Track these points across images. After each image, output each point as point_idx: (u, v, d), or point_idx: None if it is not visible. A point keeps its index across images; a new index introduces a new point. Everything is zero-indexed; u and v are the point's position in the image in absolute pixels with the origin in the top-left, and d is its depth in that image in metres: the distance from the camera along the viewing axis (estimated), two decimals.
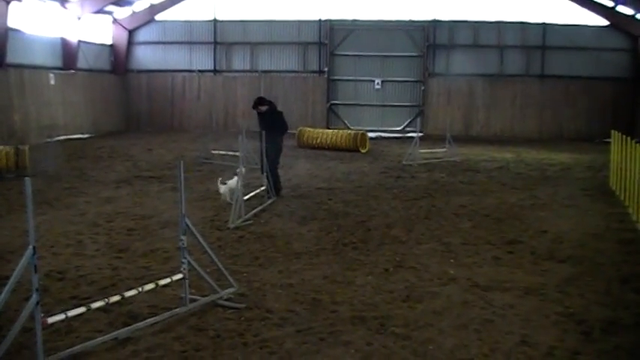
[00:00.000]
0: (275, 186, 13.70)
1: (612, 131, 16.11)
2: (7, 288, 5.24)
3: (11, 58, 23.53)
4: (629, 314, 7.09)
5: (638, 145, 11.90)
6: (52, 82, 26.66)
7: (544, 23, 30.68)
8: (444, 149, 21.67)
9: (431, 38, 31.41)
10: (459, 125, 31.14)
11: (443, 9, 31.29)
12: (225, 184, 13.14)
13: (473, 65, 31.40)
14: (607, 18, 30.08)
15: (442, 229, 11.17)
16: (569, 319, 6.91)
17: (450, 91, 31.71)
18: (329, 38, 31.88)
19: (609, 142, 16.86)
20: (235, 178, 12.35)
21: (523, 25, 30.89)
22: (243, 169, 12.53)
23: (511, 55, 31.25)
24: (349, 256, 9.33)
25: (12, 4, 22.71)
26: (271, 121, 13.88)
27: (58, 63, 27.68)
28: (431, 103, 31.81)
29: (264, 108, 13.94)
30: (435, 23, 31.33)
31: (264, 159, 13.14)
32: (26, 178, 5.21)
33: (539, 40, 30.87)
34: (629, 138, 13.25)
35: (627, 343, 6.28)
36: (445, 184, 16.32)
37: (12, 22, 23.30)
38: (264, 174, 13.23)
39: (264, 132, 13.24)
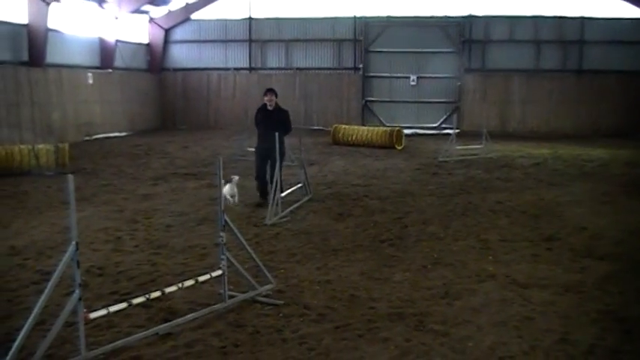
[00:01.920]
0: (280, 186, 11.89)
1: None
2: (50, 283, 5.33)
3: (50, 58, 23.87)
4: None
5: None
6: (90, 81, 27.01)
7: (582, 17, 30.22)
8: (480, 145, 21.51)
9: (466, 34, 31.15)
10: (495, 121, 30.86)
11: (478, 4, 30.99)
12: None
13: (509, 60, 31.07)
14: None
15: (479, 225, 11.10)
16: (609, 316, 6.83)
17: (486, 87, 31.43)
18: (364, 35, 31.79)
19: None
20: (228, 185, 12.27)
21: (560, 20, 30.46)
22: (237, 177, 12.59)
23: (548, 49, 30.84)
24: (386, 253, 9.32)
25: (52, 5, 23.01)
26: (278, 119, 12.66)
27: (96, 62, 28.03)
28: (467, 99, 31.57)
29: (274, 103, 12.71)
30: (471, 18, 31.07)
31: (261, 163, 12.69)
32: (69, 175, 5.29)
33: (576, 34, 30.42)
34: None
35: None
36: (481, 180, 16.20)
37: (52, 22, 23.62)
38: (268, 180, 12.35)
39: (267, 131, 12.32)
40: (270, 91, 12.79)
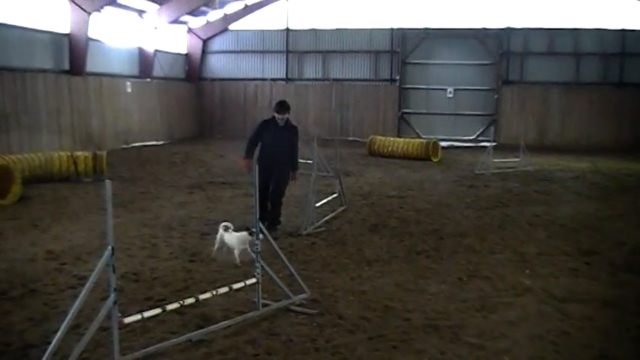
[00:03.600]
0: (275, 219, 11.24)
1: None
2: (86, 286, 5.36)
3: (91, 66, 24.22)
4: None
5: None
6: (129, 89, 27.37)
7: (622, 29, 29.83)
8: (517, 158, 21.29)
9: (504, 46, 30.94)
10: (533, 134, 30.55)
11: (517, 16, 30.78)
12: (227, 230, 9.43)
13: (547, 73, 30.78)
14: None
15: (516, 238, 10.96)
16: None
17: (524, 100, 31.15)
18: (401, 46, 31.76)
19: None
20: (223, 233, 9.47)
21: (600, 32, 30.10)
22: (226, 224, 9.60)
23: (587, 62, 30.48)
24: (421, 264, 9.23)
25: (93, 15, 23.36)
26: (288, 135, 11.22)
27: (135, 71, 28.40)
28: (504, 111, 31.32)
29: (287, 116, 11.17)
30: (509, 31, 30.85)
31: (264, 186, 10.56)
32: (107, 180, 5.32)
33: (617, 46, 30.02)
34: None
35: None
36: (519, 193, 16.02)
37: (92, 32, 23.97)
38: (271, 203, 11.18)
39: (274, 148, 11.02)
40: (285, 108, 11.12)
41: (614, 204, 14.53)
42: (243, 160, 11.49)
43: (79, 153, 17.23)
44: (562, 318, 7.09)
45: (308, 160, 12.62)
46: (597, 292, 8.03)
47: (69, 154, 16.99)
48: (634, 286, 8.33)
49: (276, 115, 11.09)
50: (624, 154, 26.39)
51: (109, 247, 5.36)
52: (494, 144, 21.84)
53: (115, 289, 5.43)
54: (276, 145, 11.04)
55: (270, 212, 11.14)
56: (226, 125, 33.66)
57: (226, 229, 9.28)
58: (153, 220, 12.14)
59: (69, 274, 8.46)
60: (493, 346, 6.27)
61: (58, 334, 5.27)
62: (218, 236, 9.38)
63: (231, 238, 9.16)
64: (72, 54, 23.33)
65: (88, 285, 5.36)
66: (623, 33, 29.83)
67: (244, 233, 9.02)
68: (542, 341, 6.43)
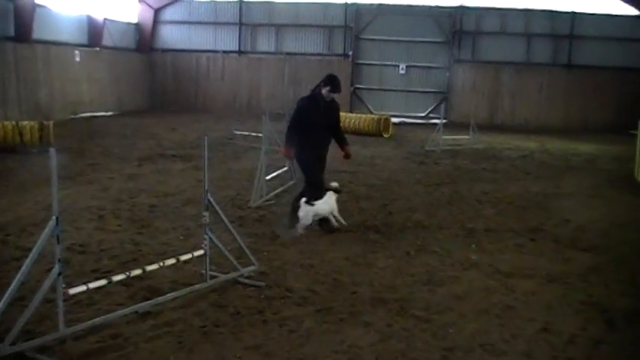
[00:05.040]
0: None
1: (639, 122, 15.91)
2: (30, 258, 5.24)
3: (38, 34, 23.64)
4: None
5: None
6: (78, 58, 26.82)
7: (573, 12, 30.26)
8: (467, 136, 21.53)
9: (457, 24, 31.17)
10: (484, 113, 30.90)
11: None
12: (312, 204, 9.29)
13: (499, 52, 31.14)
14: (638, 8, 29.59)
15: (465, 215, 11.09)
16: (592, 307, 6.82)
17: (476, 78, 31.48)
18: (354, 22, 31.72)
19: (636, 134, 16.63)
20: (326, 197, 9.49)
21: (552, 14, 30.52)
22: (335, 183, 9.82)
23: (538, 43, 30.89)
24: (371, 239, 9.28)
25: None
26: (335, 113, 9.90)
27: (84, 40, 27.82)
28: (456, 89, 31.61)
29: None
30: (462, 9, 31.07)
31: (319, 168, 9.78)
32: (51, 149, 5.20)
33: (567, 28, 30.50)
34: None
35: None
36: (468, 170, 16.21)
37: None
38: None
39: (321, 132, 9.64)
40: (339, 86, 9.65)
41: (561, 183, 14.79)
42: (285, 149, 9.80)
43: (25, 123, 16.82)
44: (507, 292, 7.21)
45: (259, 133, 12.55)
46: (542, 268, 8.18)
47: (14, 123, 16.59)
48: (578, 262, 8.50)
49: (325, 91, 9.51)
50: (572, 135, 26.86)
51: (54, 218, 5.25)
52: (445, 121, 22.00)
53: (59, 260, 5.32)
54: (324, 126, 9.62)
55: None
56: (178, 97, 33.27)
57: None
58: (101, 192, 11.95)
59: (13, 246, 8.29)
60: (439, 320, 6.35)
61: (0, 305, 5.16)
62: (304, 212, 9.03)
63: (322, 204, 9.11)
64: (17, 20, 22.70)
65: (32, 256, 5.24)
66: (573, 15, 30.27)
67: (329, 193, 9.07)
68: (487, 315, 6.53)
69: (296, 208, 9.47)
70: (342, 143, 9.96)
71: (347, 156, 10.11)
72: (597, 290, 7.39)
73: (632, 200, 12.93)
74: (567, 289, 7.39)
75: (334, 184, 9.67)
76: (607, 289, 7.46)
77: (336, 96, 9.69)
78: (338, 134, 9.93)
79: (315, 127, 9.48)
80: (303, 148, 9.51)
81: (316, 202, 9.17)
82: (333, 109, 9.82)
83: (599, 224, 10.74)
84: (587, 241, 9.60)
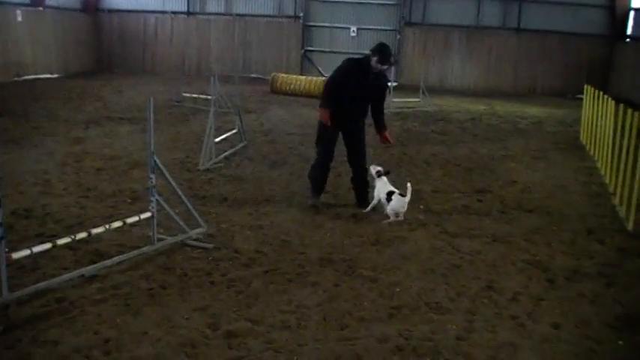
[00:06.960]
0: (366, 193, 9.23)
1: (585, 86, 16.17)
2: None
3: None
4: (592, 264, 7.20)
5: (609, 100, 11.95)
6: (19, 18, 25.97)
7: None
8: (417, 99, 21.63)
9: None
10: (434, 77, 30.98)
11: None
12: (402, 195, 8.61)
13: (449, 16, 31.10)
14: None
15: (413, 176, 11.19)
16: (534, 266, 7.02)
17: (426, 42, 31.48)
18: None
19: (582, 98, 16.92)
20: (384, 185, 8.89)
21: None
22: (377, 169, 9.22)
23: (488, 7, 30.96)
24: (320, 201, 9.30)
25: None
26: (379, 89, 9.03)
27: None
28: (406, 52, 31.59)
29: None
30: None
31: (333, 147, 9.24)
32: None
33: None
34: (601, 93, 13.30)
35: (589, 291, 6.38)
36: (417, 133, 16.32)
37: None
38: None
39: (358, 106, 8.88)
40: (386, 55, 8.53)
41: (508, 145, 15.00)
42: (322, 110, 8.79)
43: None
44: (453, 252, 7.35)
45: (208, 95, 12.42)
46: (487, 228, 8.36)
47: None
48: (522, 223, 8.70)
49: (374, 62, 8.47)
50: (521, 99, 27.14)
51: None
52: (395, 84, 22.06)
53: (1, 224, 5.21)
54: (361, 98, 8.81)
55: (359, 186, 9.32)
56: (126, 60, 32.54)
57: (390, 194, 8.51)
58: (46, 155, 11.71)
59: None
60: (386, 279, 6.44)
61: None
62: (401, 204, 8.46)
63: (398, 201, 8.43)
64: None
65: None
66: None
67: (404, 200, 8.42)
68: (433, 274, 6.65)
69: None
70: (380, 127, 9.20)
71: (385, 140, 9.32)
72: (540, 250, 7.59)
73: (576, 163, 13.20)
74: (511, 249, 7.57)
75: (379, 168, 9.12)
76: (549, 248, 7.66)
77: (386, 70, 8.81)
78: (378, 116, 9.07)
79: (348, 97, 8.61)
80: (331, 116, 8.67)
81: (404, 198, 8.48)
82: (380, 85, 8.93)
83: (544, 186, 10.97)
84: (531, 202, 9.83)
